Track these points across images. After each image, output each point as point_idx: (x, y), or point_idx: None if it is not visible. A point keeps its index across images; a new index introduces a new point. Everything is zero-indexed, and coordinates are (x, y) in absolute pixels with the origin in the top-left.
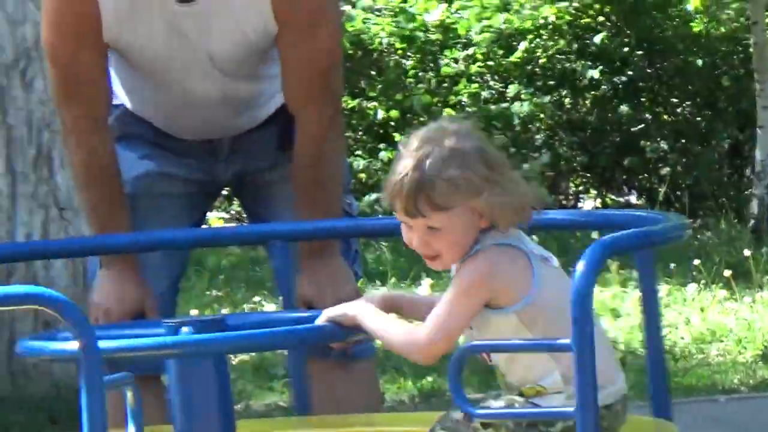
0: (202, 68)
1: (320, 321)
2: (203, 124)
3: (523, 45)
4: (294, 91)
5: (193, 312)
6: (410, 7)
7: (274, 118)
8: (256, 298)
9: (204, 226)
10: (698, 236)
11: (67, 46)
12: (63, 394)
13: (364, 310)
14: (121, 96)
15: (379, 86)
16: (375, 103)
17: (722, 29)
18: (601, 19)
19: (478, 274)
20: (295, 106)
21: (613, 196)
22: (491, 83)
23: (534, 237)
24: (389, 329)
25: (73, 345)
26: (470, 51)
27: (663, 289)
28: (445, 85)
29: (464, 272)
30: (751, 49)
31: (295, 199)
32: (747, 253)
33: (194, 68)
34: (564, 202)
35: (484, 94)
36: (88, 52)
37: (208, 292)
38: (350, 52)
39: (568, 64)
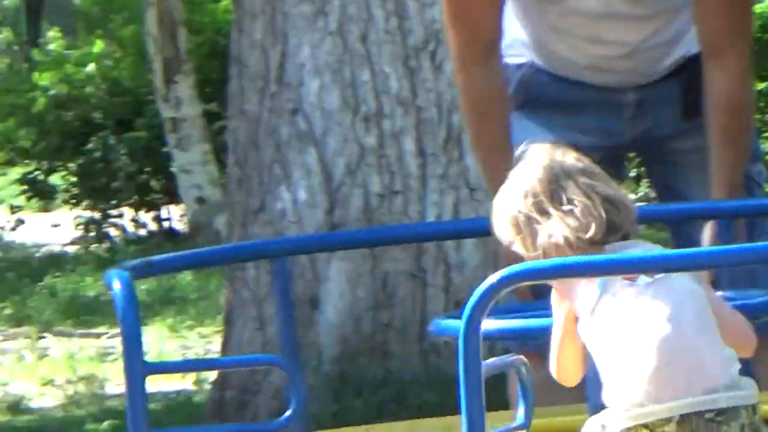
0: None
1: None
2: (607, 62)
3: None
4: (711, 27)
5: None
6: None
7: (676, 80)
8: None
9: None
10: None
11: None
12: None
13: None
14: (525, 50)
15: None
16: None
17: None
18: None
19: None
20: (711, 46)
21: None
22: None
23: None
24: None
25: (487, 324)
26: None
27: None
28: None
29: None
30: None
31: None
32: None
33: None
34: None
35: None
36: None
37: None
38: (758, 35)
39: None
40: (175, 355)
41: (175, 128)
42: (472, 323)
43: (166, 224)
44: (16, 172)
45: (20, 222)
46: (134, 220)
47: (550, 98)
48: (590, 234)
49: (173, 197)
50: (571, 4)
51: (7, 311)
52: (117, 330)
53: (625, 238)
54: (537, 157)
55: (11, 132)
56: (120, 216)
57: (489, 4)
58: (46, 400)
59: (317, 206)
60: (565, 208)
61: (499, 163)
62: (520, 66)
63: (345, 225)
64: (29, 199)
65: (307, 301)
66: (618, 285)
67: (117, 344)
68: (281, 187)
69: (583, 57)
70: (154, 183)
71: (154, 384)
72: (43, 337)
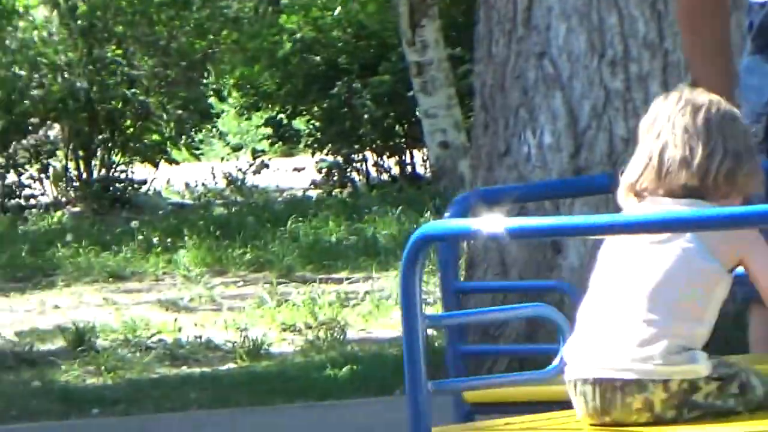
0: None
1: None
2: None
3: None
4: None
5: None
6: None
7: None
8: None
9: None
10: None
11: None
12: None
13: None
14: None
15: None
16: None
17: None
18: None
19: None
20: None
21: None
22: None
23: None
24: None
25: None
26: None
27: None
28: None
29: None
30: None
31: None
32: None
33: None
34: None
35: None
36: None
37: None
38: None
39: None
40: None
41: (420, 72)
42: (407, 275)
43: (408, 169)
44: (259, 116)
45: (264, 165)
46: (377, 165)
47: None
48: (624, 185)
49: (416, 141)
50: None
51: (248, 256)
52: (358, 275)
53: (672, 196)
54: (665, 100)
55: (256, 76)
56: (363, 160)
57: None
58: (286, 345)
59: (562, 150)
60: (638, 151)
61: (712, 75)
62: (763, 5)
63: (590, 169)
64: (272, 143)
65: (549, 245)
66: (614, 246)
67: (358, 289)
68: (527, 130)
69: None
70: (398, 127)
71: (397, 329)
72: (283, 282)
